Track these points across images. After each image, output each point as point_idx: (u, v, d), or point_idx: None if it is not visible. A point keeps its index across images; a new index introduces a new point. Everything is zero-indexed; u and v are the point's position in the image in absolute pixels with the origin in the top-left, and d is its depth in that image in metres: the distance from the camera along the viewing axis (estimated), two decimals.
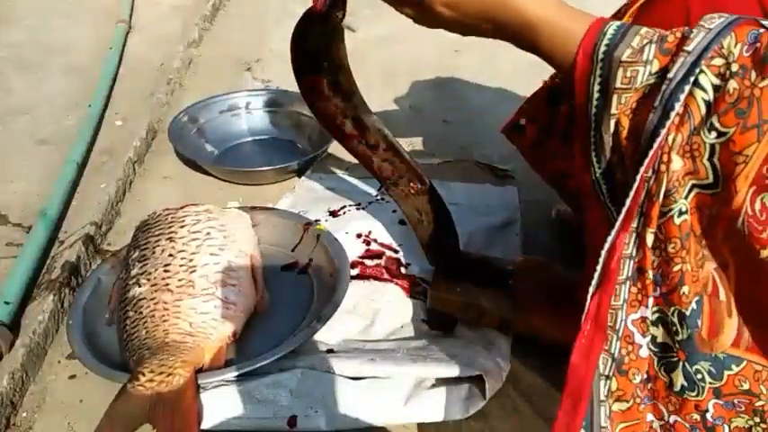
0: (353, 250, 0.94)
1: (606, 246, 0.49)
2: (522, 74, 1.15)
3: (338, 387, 0.74)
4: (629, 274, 0.50)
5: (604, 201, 0.54)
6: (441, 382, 0.76)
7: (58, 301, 0.88)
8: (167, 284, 0.80)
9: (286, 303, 0.87)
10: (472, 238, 0.98)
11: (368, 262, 0.93)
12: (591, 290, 0.50)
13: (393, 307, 0.87)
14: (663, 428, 0.53)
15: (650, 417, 0.52)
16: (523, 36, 0.58)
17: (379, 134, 0.82)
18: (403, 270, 0.92)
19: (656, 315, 0.50)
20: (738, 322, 0.49)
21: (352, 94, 0.82)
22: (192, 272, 0.81)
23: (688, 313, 0.48)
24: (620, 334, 0.50)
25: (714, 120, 0.45)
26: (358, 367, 0.76)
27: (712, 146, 0.45)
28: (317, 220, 1.00)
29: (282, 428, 0.72)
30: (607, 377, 0.52)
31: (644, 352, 0.51)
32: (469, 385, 0.75)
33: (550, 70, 0.64)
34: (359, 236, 0.98)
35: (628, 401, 0.52)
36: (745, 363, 0.50)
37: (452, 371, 0.75)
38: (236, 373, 0.73)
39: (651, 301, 0.49)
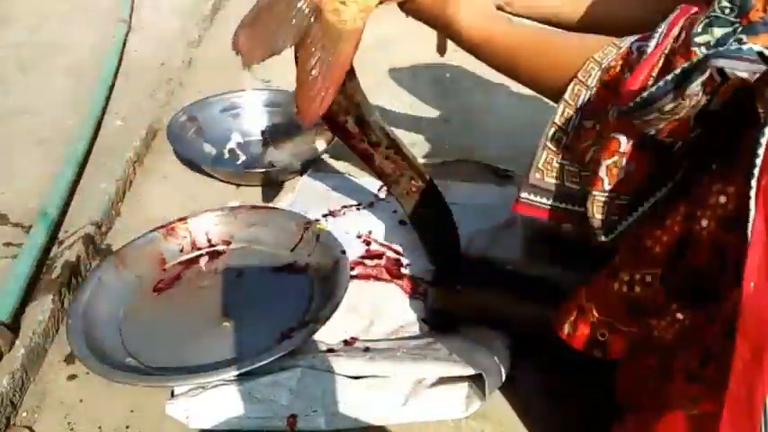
0: (353, 250, 0.94)
1: None
2: None
3: (338, 386, 0.74)
4: None
5: None
6: (440, 381, 0.76)
7: (58, 301, 0.88)
8: None
9: (286, 303, 0.87)
10: (473, 238, 0.97)
11: (368, 262, 0.93)
12: None
13: (393, 307, 0.87)
14: None
15: None
16: None
17: (382, 132, 0.81)
18: (403, 270, 0.92)
19: None
20: None
21: (354, 92, 0.82)
22: None
23: None
24: None
25: None
26: (358, 366, 0.76)
27: None
28: (316, 220, 1.00)
29: (282, 428, 0.72)
30: None
31: None
32: (469, 384, 0.75)
33: None
34: (359, 236, 0.98)
35: None
36: None
37: (452, 370, 0.75)
38: (236, 373, 0.73)
39: None
